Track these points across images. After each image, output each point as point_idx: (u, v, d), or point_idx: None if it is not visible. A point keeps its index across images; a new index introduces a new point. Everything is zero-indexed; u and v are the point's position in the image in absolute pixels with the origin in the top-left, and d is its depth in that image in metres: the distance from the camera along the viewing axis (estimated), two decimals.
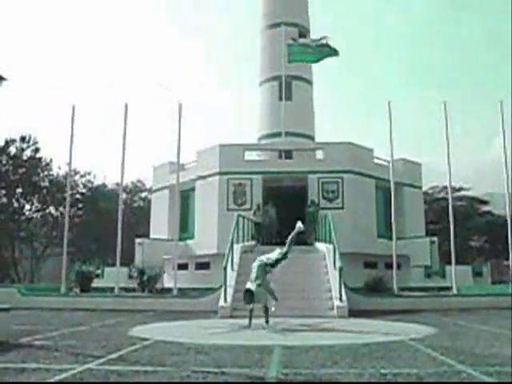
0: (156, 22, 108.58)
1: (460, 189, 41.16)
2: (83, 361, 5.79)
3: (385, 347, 6.71)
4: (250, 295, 9.46)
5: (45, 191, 35.20)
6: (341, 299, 12.27)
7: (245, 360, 5.78)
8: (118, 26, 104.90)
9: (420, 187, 25.33)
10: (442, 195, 42.55)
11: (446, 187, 42.41)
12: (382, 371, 4.94)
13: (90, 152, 62.82)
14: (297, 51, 22.37)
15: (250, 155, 22.51)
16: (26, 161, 34.76)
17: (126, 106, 16.02)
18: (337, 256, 13.67)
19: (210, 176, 21.66)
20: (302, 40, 24.27)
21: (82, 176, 38.05)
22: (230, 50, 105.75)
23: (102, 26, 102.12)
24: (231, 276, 13.31)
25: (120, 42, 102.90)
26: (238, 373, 5.03)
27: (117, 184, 38.09)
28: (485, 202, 44.29)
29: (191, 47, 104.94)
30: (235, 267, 14.17)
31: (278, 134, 23.45)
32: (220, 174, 21.29)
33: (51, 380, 4.76)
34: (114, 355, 6.22)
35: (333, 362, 5.56)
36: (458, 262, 16.78)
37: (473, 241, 42.66)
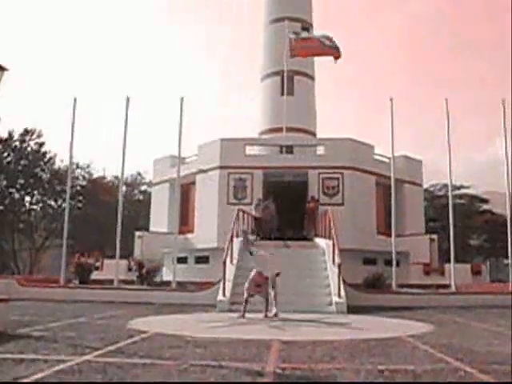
0: (157, 15, 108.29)
1: (460, 187, 41.14)
2: (81, 352, 5.80)
3: (383, 343, 6.72)
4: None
5: (45, 183, 35.24)
6: (339, 295, 12.29)
7: (243, 354, 5.78)
8: (120, 20, 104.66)
9: (420, 184, 25.30)
10: (442, 193, 42.56)
11: (446, 185, 42.45)
12: (380, 367, 4.94)
13: (90, 144, 62.74)
14: (299, 46, 22.29)
15: (251, 150, 22.49)
16: (28, 153, 34.80)
17: (128, 99, 15.98)
18: (336, 252, 13.66)
19: (210, 170, 21.64)
20: (304, 34, 24.18)
21: (82, 168, 38.07)
22: (232, 44, 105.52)
23: (104, 20, 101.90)
24: (230, 270, 13.32)
25: (122, 36, 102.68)
26: (236, 367, 5.04)
27: (116, 177, 38.19)
28: (485, 201, 44.31)
29: (193, 41, 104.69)
30: (234, 261, 14.18)
31: (280, 129, 23.39)
32: (221, 168, 21.28)
33: (49, 372, 4.76)
34: (112, 347, 6.23)
35: (331, 357, 5.56)
36: (457, 260, 16.79)
37: (472, 239, 42.68)
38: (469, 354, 5.78)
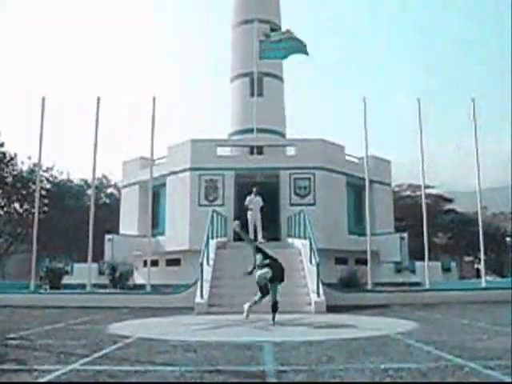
0: (129, 15, 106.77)
1: (426, 187, 41.83)
2: (66, 361, 5.52)
3: (375, 342, 6.66)
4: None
5: (9, 187, 34.06)
6: (318, 294, 12.24)
7: (237, 357, 5.61)
8: (90, 20, 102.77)
9: (389, 184, 25.66)
10: (407, 193, 43.31)
11: (410, 185, 43.20)
12: (382, 366, 4.86)
13: (55, 146, 61.33)
14: (269, 47, 22.24)
15: (223, 151, 22.37)
16: None
17: (99, 99, 15.56)
18: (314, 251, 13.64)
19: (181, 172, 21.38)
20: (273, 36, 24.14)
21: (44, 171, 36.94)
22: (204, 44, 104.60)
23: (70, 19, 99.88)
24: (207, 272, 13.14)
25: (92, 36, 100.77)
26: (234, 370, 4.88)
27: (85, 182, 37.29)
28: (449, 200, 45.39)
29: (167, 41, 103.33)
30: (211, 262, 14.00)
31: (250, 130, 23.32)
32: (191, 169, 21.05)
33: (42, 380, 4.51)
34: (98, 354, 5.97)
35: (328, 357, 5.45)
36: (423, 259, 17.03)
37: (437, 238, 43.53)
38: (464, 350, 5.76)
